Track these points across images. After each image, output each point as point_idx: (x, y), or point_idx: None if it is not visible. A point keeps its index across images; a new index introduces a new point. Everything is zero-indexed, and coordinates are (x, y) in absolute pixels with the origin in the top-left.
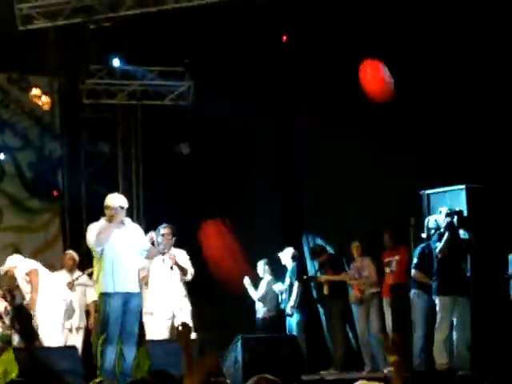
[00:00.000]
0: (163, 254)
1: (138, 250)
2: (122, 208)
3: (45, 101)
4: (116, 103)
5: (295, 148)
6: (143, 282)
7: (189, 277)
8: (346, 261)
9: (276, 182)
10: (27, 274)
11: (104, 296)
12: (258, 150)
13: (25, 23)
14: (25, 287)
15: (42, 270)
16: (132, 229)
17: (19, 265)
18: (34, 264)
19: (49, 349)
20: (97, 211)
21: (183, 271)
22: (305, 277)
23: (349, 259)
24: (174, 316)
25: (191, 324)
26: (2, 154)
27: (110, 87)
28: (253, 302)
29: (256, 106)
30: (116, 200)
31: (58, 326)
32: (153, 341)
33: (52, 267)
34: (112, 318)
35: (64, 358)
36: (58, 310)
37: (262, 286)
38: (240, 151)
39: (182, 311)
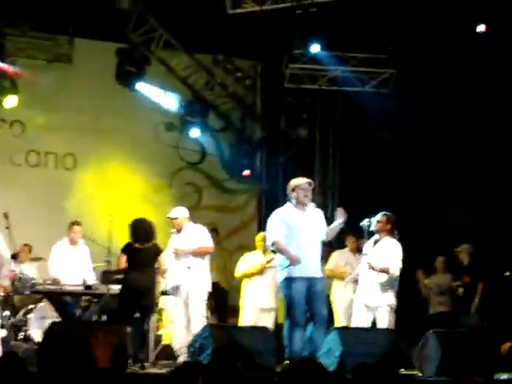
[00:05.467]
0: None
1: (322, 233)
2: (310, 184)
3: None
4: (317, 88)
5: None
6: None
7: None
8: None
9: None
10: None
11: (287, 280)
12: (462, 141)
13: (234, 7)
14: None
15: None
16: (315, 213)
17: None
18: None
19: (243, 328)
20: None
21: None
22: None
23: None
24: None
25: None
26: (198, 130)
27: (312, 72)
28: None
29: (458, 96)
30: (302, 179)
31: None
32: (346, 328)
33: (246, 248)
34: (296, 302)
35: (257, 339)
36: None
37: None
38: (442, 139)
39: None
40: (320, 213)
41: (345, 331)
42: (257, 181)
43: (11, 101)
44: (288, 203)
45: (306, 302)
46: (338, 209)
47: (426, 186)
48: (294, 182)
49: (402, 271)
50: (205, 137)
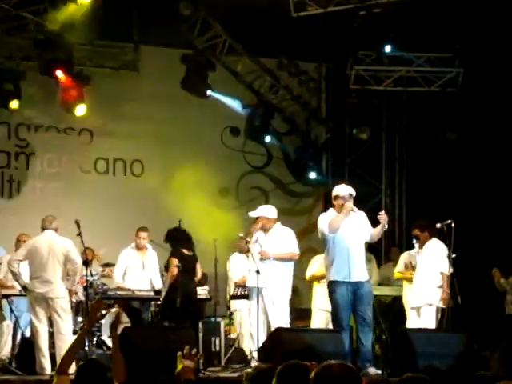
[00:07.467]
0: None
1: (365, 235)
2: (351, 196)
3: None
4: (382, 89)
5: None
6: None
7: None
8: None
9: None
10: None
11: (332, 284)
12: None
13: (298, 10)
14: None
15: None
16: (357, 217)
17: None
18: None
19: (314, 330)
20: (360, 196)
21: None
22: None
23: None
24: None
25: None
26: (269, 137)
27: (377, 73)
28: None
29: None
30: (344, 189)
31: None
32: (417, 329)
33: (314, 250)
34: (340, 306)
35: (328, 341)
36: None
37: None
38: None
39: None
40: (362, 215)
41: (416, 332)
42: (323, 183)
43: (80, 110)
44: (331, 209)
45: (352, 305)
46: (381, 213)
47: (495, 185)
48: (336, 191)
49: (477, 270)
50: (270, 140)
